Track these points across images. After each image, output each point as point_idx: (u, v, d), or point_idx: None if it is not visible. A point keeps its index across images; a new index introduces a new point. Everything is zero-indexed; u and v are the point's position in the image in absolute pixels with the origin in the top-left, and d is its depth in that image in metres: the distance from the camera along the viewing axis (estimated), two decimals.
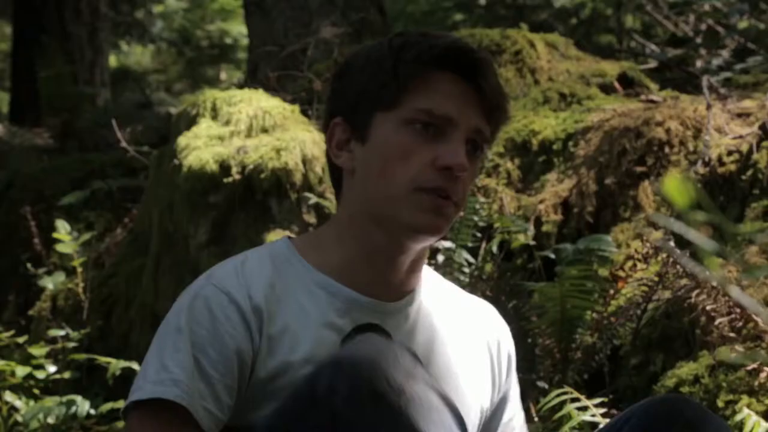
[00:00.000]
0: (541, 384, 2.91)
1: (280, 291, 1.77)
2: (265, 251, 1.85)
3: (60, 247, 4.00)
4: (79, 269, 4.08)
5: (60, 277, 4.18)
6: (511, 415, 1.97)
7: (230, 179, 3.83)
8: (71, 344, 3.79)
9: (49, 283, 4.16)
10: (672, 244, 2.83)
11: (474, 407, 1.89)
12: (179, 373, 1.71)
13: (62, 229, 3.96)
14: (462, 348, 1.91)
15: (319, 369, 1.62)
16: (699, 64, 5.01)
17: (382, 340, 1.70)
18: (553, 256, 3.23)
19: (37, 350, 3.75)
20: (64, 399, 3.56)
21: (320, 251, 1.83)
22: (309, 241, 1.89)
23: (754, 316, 2.35)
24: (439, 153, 1.76)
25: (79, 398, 3.58)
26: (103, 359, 3.61)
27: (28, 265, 4.38)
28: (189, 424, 1.69)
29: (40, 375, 3.72)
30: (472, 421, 1.87)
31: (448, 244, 3.29)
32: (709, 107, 3.42)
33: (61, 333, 3.87)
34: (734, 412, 2.31)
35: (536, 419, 2.77)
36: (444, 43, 1.81)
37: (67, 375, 3.76)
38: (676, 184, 0.98)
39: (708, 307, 2.48)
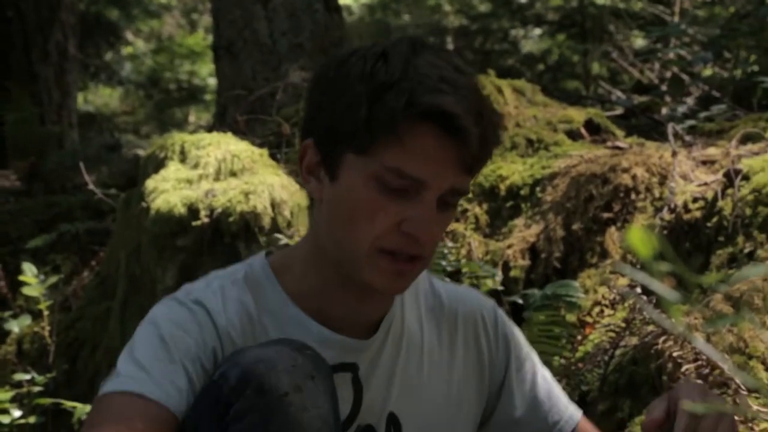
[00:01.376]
0: None
1: (256, 325, 1.74)
2: (242, 273, 1.78)
3: (26, 290, 3.97)
4: (46, 312, 4.05)
5: (26, 320, 4.15)
6: (530, 372, 1.95)
7: (198, 222, 3.83)
8: (37, 388, 3.75)
9: (15, 326, 4.12)
10: (638, 290, 2.85)
11: (459, 423, 1.88)
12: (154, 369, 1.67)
13: (29, 271, 3.94)
14: (443, 360, 1.88)
15: (225, 360, 1.65)
16: (664, 111, 5.06)
17: (287, 347, 1.64)
18: (521, 301, 3.24)
19: (2, 394, 3.71)
20: None
21: (294, 275, 1.78)
22: (285, 262, 1.80)
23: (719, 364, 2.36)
24: (407, 216, 1.65)
25: None
26: (69, 404, 3.58)
27: None
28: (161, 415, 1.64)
29: (5, 420, 3.68)
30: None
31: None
32: (674, 154, 3.46)
33: (27, 377, 3.83)
34: None
35: None
36: (424, 104, 1.61)
37: (32, 420, 3.72)
38: (639, 235, 1.00)
39: (675, 354, 2.49)
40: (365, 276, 1.70)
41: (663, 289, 1.00)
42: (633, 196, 3.39)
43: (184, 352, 1.67)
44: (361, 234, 1.67)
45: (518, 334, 1.97)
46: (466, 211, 3.69)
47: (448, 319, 1.91)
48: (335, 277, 1.76)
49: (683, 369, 2.46)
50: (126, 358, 1.69)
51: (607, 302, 2.89)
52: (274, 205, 3.86)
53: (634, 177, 3.42)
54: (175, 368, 1.65)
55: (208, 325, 1.71)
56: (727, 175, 3.19)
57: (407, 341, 1.85)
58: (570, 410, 1.96)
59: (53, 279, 4.08)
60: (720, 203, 3.13)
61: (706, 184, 3.28)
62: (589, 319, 2.92)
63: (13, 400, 3.76)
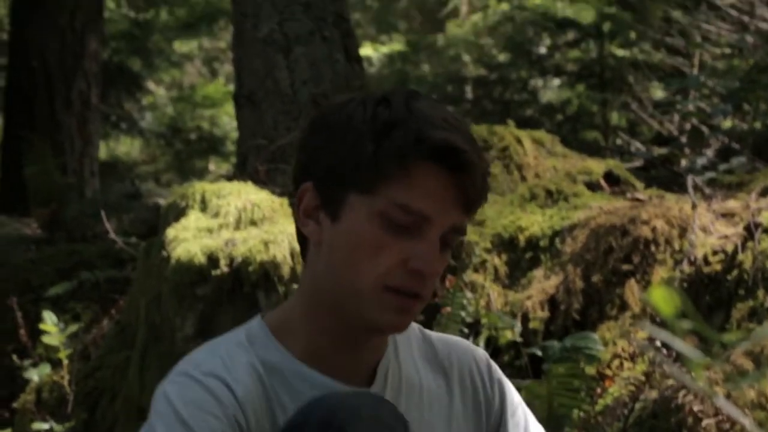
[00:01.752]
0: None
1: (267, 387, 1.72)
2: (242, 336, 1.77)
3: (46, 339, 3.98)
4: (65, 361, 4.06)
5: (46, 368, 4.15)
6: (523, 418, 1.93)
7: (218, 272, 3.84)
8: None
9: (35, 375, 4.13)
10: (658, 344, 2.84)
11: None
12: None
13: (49, 320, 3.95)
14: (443, 403, 1.87)
15: (306, 403, 1.65)
16: (684, 163, 5.06)
17: (375, 398, 1.67)
18: (540, 353, 3.23)
19: None
20: None
21: (292, 333, 1.77)
22: (281, 321, 1.79)
23: None
24: (412, 254, 1.68)
25: None
26: None
27: (13, 356, 4.35)
28: None
29: None
30: None
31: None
32: (694, 207, 3.46)
33: (46, 426, 3.84)
34: None
35: None
36: (432, 139, 1.66)
37: None
38: (661, 292, 1.00)
39: (695, 408, 2.48)
40: (370, 314, 1.71)
41: (685, 347, 1.01)
42: (653, 248, 3.39)
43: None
44: (366, 272, 1.69)
45: (509, 382, 1.97)
46: (485, 262, 3.69)
47: (443, 365, 1.91)
48: (333, 325, 1.76)
49: (703, 424, 2.45)
50: None
51: (626, 355, 2.88)
52: (293, 254, 3.87)
53: (653, 229, 3.42)
54: None
55: (228, 397, 1.69)
56: (747, 228, 3.19)
57: (406, 386, 1.85)
58: None
59: (73, 327, 4.09)
60: (740, 256, 3.13)
61: (726, 236, 3.28)
62: (608, 372, 2.91)
63: None
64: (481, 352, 1.96)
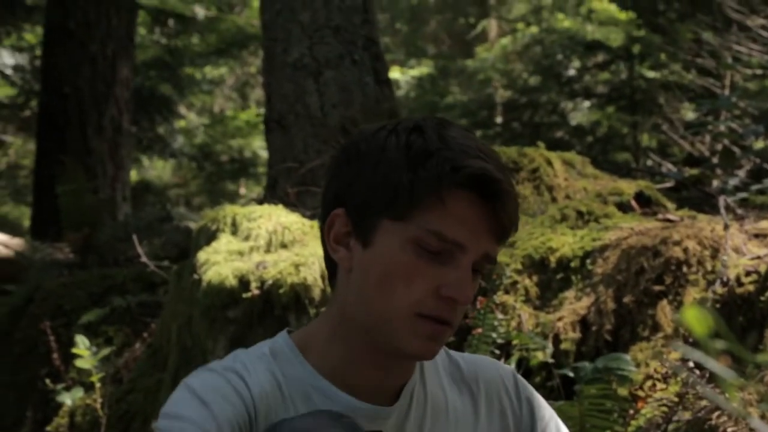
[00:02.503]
0: None
1: (285, 396, 1.73)
2: (266, 349, 1.78)
3: (79, 363, 4.00)
4: (98, 384, 4.07)
5: (78, 392, 4.17)
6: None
7: (249, 294, 3.85)
8: None
9: (68, 398, 4.15)
10: (691, 365, 2.82)
11: None
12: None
13: (81, 344, 3.97)
14: (468, 422, 1.87)
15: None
16: (715, 183, 5.04)
17: (325, 417, 1.65)
18: (571, 374, 3.22)
19: None
20: None
21: (318, 349, 1.77)
22: (307, 339, 1.80)
23: None
24: (445, 281, 1.68)
25: None
26: None
27: (47, 380, 4.38)
28: None
29: None
30: None
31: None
32: (726, 227, 3.44)
33: None
34: None
35: None
36: (469, 167, 1.67)
37: None
38: (694, 313, 0.99)
39: (729, 430, 2.46)
40: (400, 341, 1.71)
41: (718, 367, 1.00)
42: (685, 269, 3.37)
43: (224, 416, 1.67)
44: (398, 299, 1.69)
45: (539, 396, 1.96)
46: (516, 283, 3.68)
47: (469, 385, 1.91)
48: (361, 347, 1.76)
49: None
50: (167, 417, 1.68)
51: (659, 376, 2.87)
52: (324, 276, 3.87)
53: (685, 250, 3.40)
54: (218, 428, 1.65)
55: (244, 392, 1.70)
56: None
57: (431, 406, 1.85)
58: None
59: (105, 351, 4.11)
60: None
61: (758, 257, 3.26)
62: (641, 393, 2.89)
63: None
64: (507, 369, 1.97)
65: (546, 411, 1.95)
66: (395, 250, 1.70)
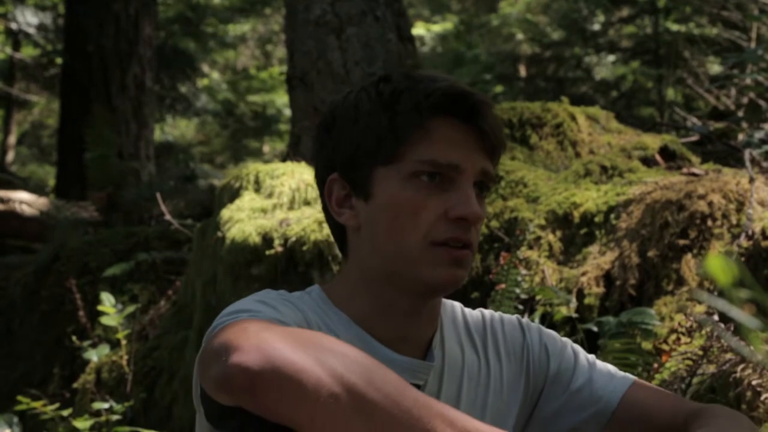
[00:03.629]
0: None
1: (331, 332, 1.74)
2: (304, 295, 1.81)
3: (104, 320, 4.03)
4: (123, 342, 4.10)
5: (104, 349, 4.20)
6: (580, 383, 1.92)
7: (273, 251, 3.86)
8: (115, 417, 3.80)
9: (94, 355, 4.18)
10: (716, 318, 2.81)
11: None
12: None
13: (107, 301, 3.99)
14: (482, 376, 1.89)
15: None
16: (741, 137, 5.00)
17: None
18: (595, 328, 3.21)
19: (82, 423, 3.77)
20: None
21: (346, 302, 1.79)
22: (336, 290, 1.82)
23: None
24: (451, 203, 1.72)
25: None
26: None
27: (73, 337, 4.41)
28: None
29: None
30: None
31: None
32: (751, 180, 3.41)
33: (105, 406, 3.88)
34: None
35: None
36: (440, 88, 1.73)
37: None
38: (718, 262, 0.99)
39: (754, 382, 2.46)
40: (425, 274, 1.73)
41: (742, 316, 0.99)
42: (709, 223, 3.35)
43: (290, 318, 1.67)
44: (411, 234, 1.72)
45: (554, 336, 1.98)
46: (539, 238, 3.67)
47: (476, 337, 1.93)
48: (386, 299, 1.77)
49: (762, 398, 2.42)
50: (228, 314, 1.65)
51: (683, 330, 2.86)
52: None
53: (710, 204, 3.38)
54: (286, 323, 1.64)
55: (300, 312, 1.72)
56: None
57: (449, 361, 1.87)
58: (613, 384, 1.92)
59: (131, 308, 4.13)
60: None
61: None
62: (665, 347, 2.88)
63: (92, 429, 3.81)
64: (509, 318, 1.98)
65: (564, 349, 1.96)
66: (396, 191, 1.73)
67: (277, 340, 1.49)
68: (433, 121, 1.73)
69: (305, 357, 1.47)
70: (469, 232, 1.73)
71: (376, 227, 1.75)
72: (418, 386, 1.79)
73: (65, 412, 3.87)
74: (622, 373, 1.95)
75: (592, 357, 1.97)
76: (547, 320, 3.40)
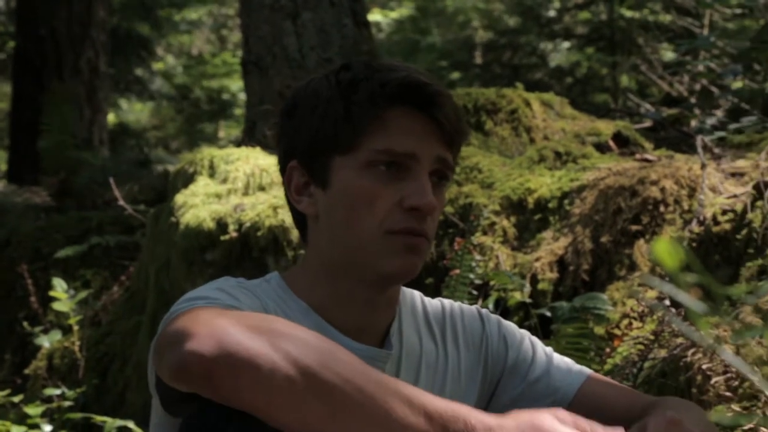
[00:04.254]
0: None
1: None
2: (263, 282, 1.81)
3: (56, 305, 4.00)
4: (76, 327, 4.07)
5: (56, 335, 4.17)
6: (537, 374, 1.93)
7: (227, 237, 3.84)
8: (67, 403, 3.77)
9: (45, 341, 4.15)
10: (667, 303, 2.83)
11: None
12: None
13: (59, 287, 3.96)
14: (440, 365, 1.90)
15: None
16: (693, 123, 5.03)
17: None
18: (549, 314, 3.23)
19: (33, 410, 3.74)
20: None
21: (305, 290, 1.80)
22: (295, 278, 1.83)
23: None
24: (405, 193, 1.72)
25: None
26: (99, 418, 3.60)
27: (25, 323, 4.37)
28: None
29: None
30: None
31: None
32: (703, 166, 3.44)
33: (57, 392, 3.86)
34: None
35: None
36: (396, 79, 1.74)
37: None
38: (665, 246, 0.99)
39: (704, 366, 2.48)
40: (380, 263, 1.73)
41: (690, 300, 1.00)
42: (662, 208, 3.37)
43: (248, 305, 1.66)
44: (366, 223, 1.73)
45: (512, 327, 1.99)
46: (494, 224, 3.68)
47: (435, 326, 1.94)
48: (343, 289, 1.78)
49: (712, 381, 2.45)
50: (186, 300, 1.65)
51: (635, 315, 2.88)
52: None
53: (662, 189, 3.41)
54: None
55: (258, 300, 1.72)
56: (756, 187, 3.17)
57: (407, 349, 1.87)
58: (570, 376, 1.93)
59: (83, 294, 4.10)
60: (749, 215, 3.11)
61: (735, 196, 3.27)
62: (617, 332, 2.91)
63: (43, 415, 3.78)
64: (469, 309, 1.99)
65: (521, 341, 1.97)
66: (353, 180, 1.73)
67: (232, 326, 1.49)
68: (390, 111, 1.73)
69: (260, 342, 1.47)
70: (424, 221, 1.73)
71: (333, 216, 1.76)
72: None
73: (16, 398, 3.85)
74: (578, 366, 1.96)
75: (549, 350, 1.99)
76: (501, 305, 3.42)
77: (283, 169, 1.83)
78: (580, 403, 1.89)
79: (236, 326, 1.49)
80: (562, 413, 1.60)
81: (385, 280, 1.77)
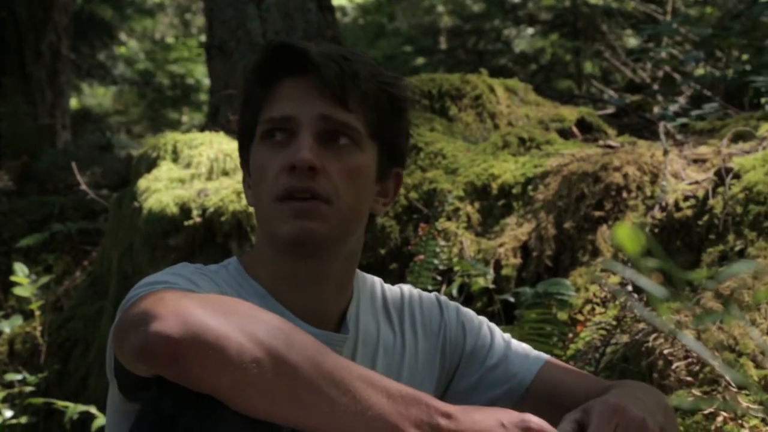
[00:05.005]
0: None
1: None
2: (221, 269, 1.82)
3: (17, 290, 3.97)
4: (37, 312, 4.05)
5: (17, 320, 4.14)
6: (495, 360, 1.94)
7: (191, 222, 3.83)
8: (28, 388, 3.75)
9: (6, 326, 4.12)
10: (629, 288, 2.85)
11: None
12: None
13: (20, 272, 3.93)
14: (397, 353, 1.90)
15: None
16: (656, 110, 5.06)
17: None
18: (512, 299, 3.24)
19: None
20: None
21: (260, 274, 1.80)
22: (252, 262, 1.83)
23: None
24: (287, 156, 1.72)
25: None
26: (61, 403, 3.58)
27: None
28: None
29: None
30: None
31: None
32: (665, 153, 3.46)
33: (18, 377, 3.83)
34: None
35: None
36: (264, 49, 1.79)
37: (24, 420, 3.72)
38: (626, 232, 1.00)
39: (665, 351, 2.50)
40: (274, 230, 1.73)
41: (650, 284, 1.01)
42: (624, 194, 3.39)
43: (207, 289, 1.66)
44: (262, 195, 1.75)
45: (471, 314, 2.00)
46: (457, 209, 3.69)
47: (394, 313, 1.94)
48: (280, 267, 1.78)
49: (673, 366, 2.47)
50: (144, 285, 1.64)
51: (598, 300, 2.90)
52: None
53: (625, 176, 3.42)
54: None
55: (214, 285, 1.72)
56: (718, 173, 3.19)
57: (363, 335, 1.88)
58: (528, 362, 1.94)
59: (45, 279, 4.07)
60: (711, 201, 3.14)
61: (697, 182, 3.29)
62: (580, 317, 2.92)
63: (4, 401, 3.76)
64: (428, 296, 2.00)
65: (480, 328, 1.97)
66: (253, 158, 1.78)
67: (197, 307, 1.48)
68: (275, 85, 1.76)
69: (226, 323, 1.47)
70: (311, 180, 1.71)
71: (252, 200, 1.80)
72: None
73: None
74: (536, 352, 1.97)
75: (507, 336, 1.99)
76: (464, 291, 3.42)
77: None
78: (538, 388, 1.90)
79: (202, 308, 1.48)
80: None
81: (287, 248, 1.75)
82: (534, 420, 1.63)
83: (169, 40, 14.44)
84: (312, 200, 1.71)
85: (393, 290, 1.97)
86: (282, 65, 1.76)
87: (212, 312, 1.48)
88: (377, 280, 1.97)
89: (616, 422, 1.63)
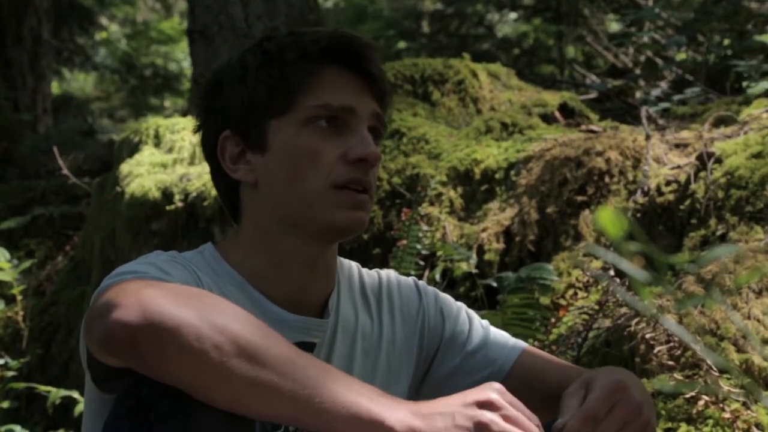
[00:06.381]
0: None
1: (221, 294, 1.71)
2: (195, 258, 1.79)
3: None
4: (19, 297, 4.03)
5: None
6: (474, 346, 1.94)
7: (173, 207, 3.82)
8: (10, 373, 3.74)
9: None
10: (612, 273, 2.86)
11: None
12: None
13: (1, 256, 3.92)
14: (381, 341, 1.90)
15: None
16: (638, 95, 5.07)
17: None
18: (495, 284, 3.25)
19: None
20: (3, 429, 3.52)
21: (240, 260, 1.78)
22: (230, 248, 1.81)
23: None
24: (348, 145, 1.73)
25: (18, 428, 3.54)
26: (43, 388, 3.58)
27: None
28: None
29: None
30: None
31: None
32: (648, 138, 3.47)
33: (0, 362, 3.82)
34: None
35: None
36: (326, 35, 1.78)
37: (5, 404, 3.72)
38: (608, 216, 1.00)
39: (647, 336, 2.51)
40: (327, 217, 1.73)
41: (633, 269, 1.01)
42: (607, 179, 3.40)
43: (181, 279, 1.65)
44: (312, 179, 1.73)
45: (449, 300, 2.00)
46: (440, 194, 3.69)
47: (371, 298, 1.94)
48: (281, 252, 1.77)
49: (655, 350, 2.48)
50: (117, 275, 1.62)
51: (580, 285, 2.90)
52: None
53: (607, 160, 3.43)
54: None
55: (193, 274, 1.71)
56: (700, 158, 3.20)
57: (342, 321, 1.87)
58: (507, 348, 1.94)
59: (26, 264, 4.06)
60: (693, 186, 3.15)
61: (679, 167, 3.30)
62: (562, 302, 2.93)
63: None
64: (406, 280, 1.99)
65: (458, 314, 1.98)
66: (293, 139, 1.74)
67: (158, 295, 1.48)
68: (323, 68, 1.75)
69: (186, 311, 1.46)
70: (368, 174, 1.75)
71: (275, 178, 1.75)
72: (312, 344, 1.79)
73: None
74: (515, 339, 1.98)
75: (486, 322, 2.00)
76: (447, 276, 3.43)
77: (212, 144, 1.80)
78: (516, 375, 1.91)
79: (163, 296, 1.47)
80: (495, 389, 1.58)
81: (333, 235, 1.76)
82: (494, 405, 1.57)
83: (152, 24, 14.38)
84: (365, 193, 1.75)
85: (371, 275, 1.97)
86: (336, 53, 1.76)
87: (174, 300, 1.47)
88: (354, 265, 1.96)
89: (618, 398, 1.63)
